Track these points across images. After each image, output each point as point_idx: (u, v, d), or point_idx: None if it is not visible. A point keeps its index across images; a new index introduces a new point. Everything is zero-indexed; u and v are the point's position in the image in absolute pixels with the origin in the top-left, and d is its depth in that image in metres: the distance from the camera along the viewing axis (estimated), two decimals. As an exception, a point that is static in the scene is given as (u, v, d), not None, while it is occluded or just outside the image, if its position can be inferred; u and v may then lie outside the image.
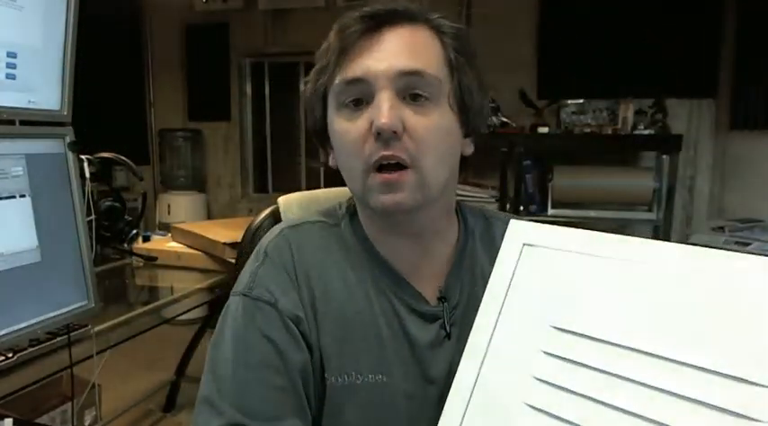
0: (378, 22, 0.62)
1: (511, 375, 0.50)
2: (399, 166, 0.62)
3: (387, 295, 0.68)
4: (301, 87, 0.72)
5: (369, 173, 0.63)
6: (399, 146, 0.61)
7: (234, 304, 0.68)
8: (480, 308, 0.55)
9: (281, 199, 0.96)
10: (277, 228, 0.73)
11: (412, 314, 0.68)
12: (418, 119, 0.62)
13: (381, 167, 0.62)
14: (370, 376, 0.65)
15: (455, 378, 0.53)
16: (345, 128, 0.64)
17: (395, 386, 0.65)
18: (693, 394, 0.41)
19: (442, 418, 0.52)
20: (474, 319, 0.69)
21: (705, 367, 0.41)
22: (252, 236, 0.97)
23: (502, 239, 0.75)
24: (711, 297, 0.43)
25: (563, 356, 0.48)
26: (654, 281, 0.47)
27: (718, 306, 0.43)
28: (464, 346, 0.68)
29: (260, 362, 0.63)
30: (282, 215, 0.94)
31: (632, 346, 0.45)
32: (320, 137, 0.71)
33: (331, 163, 0.71)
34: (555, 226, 0.55)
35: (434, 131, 0.63)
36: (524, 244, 0.55)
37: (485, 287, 0.71)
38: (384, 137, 0.60)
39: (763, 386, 0.39)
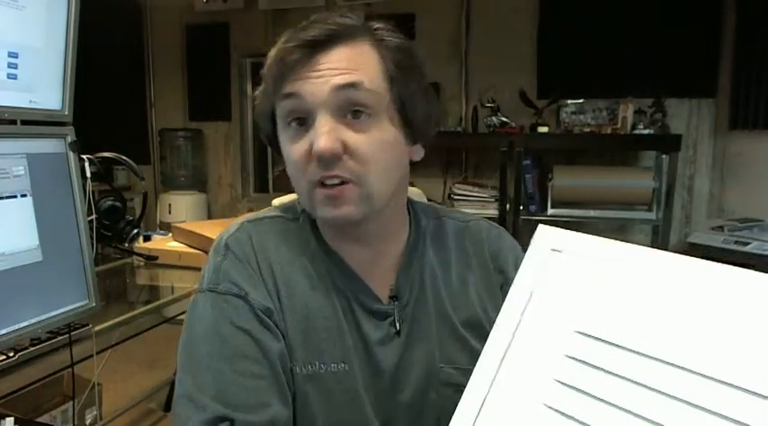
0: (314, 47, 0.63)
1: (530, 376, 0.50)
2: (342, 182, 0.63)
3: (343, 292, 0.70)
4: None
5: (314, 188, 0.64)
6: (341, 166, 0.62)
7: (201, 301, 0.68)
8: (503, 308, 0.55)
9: (276, 201, 0.95)
10: (237, 223, 0.73)
11: (365, 311, 0.70)
12: (358, 138, 0.63)
13: (324, 183, 0.64)
14: (332, 365, 0.67)
15: (471, 377, 0.54)
16: (289, 149, 0.66)
17: (355, 375, 0.67)
18: (716, 408, 0.42)
19: (454, 416, 0.53)
20: (422, 316, 0.72)
21: (730, 382, 0.42)
22: None
23: (453, 238, 0.79)
24: (740, 315, 0.44)
25: (586, 360, 0.48)
26: (683, 296, 0.47)
27: (746, 324, 0.43)
28: (413, 341, 0.71)
29: (236, 353, 0.63)
30: None
31: (657, 356, 0.45)
32: (275, 149, 0.72)
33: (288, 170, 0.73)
34: (583, 234, 0.55)
35: (375, 147, 0.64)
36: (552, 249, 0.55)
37: (434, 285, 0.74)
38: (324, 161, 0.62)
39: None
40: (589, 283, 0.52)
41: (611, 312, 0.50)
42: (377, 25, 0.67)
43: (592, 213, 2.93)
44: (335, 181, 0.63)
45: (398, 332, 0.71)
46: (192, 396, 0.62)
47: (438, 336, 0.72)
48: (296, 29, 0.66)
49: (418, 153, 0.72)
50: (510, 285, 0.70)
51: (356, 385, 0.67)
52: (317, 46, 0.63)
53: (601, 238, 0.54)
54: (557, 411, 0.48)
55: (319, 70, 0.62)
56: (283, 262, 0.69)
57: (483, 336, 0.71)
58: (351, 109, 0.63)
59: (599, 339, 0.49)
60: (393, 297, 0.72)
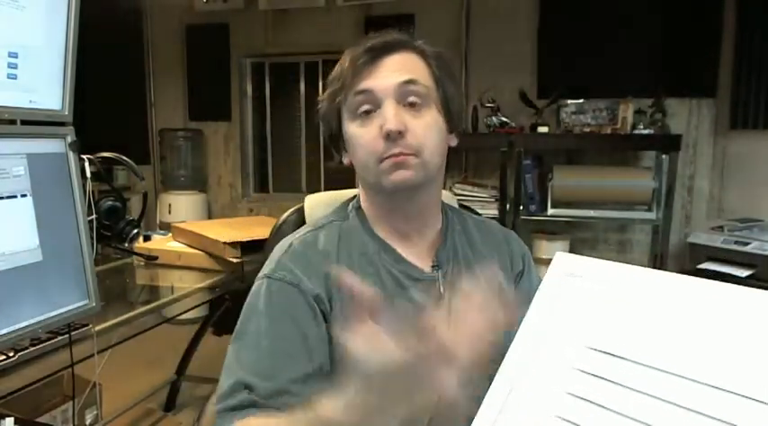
0: (379, 52, 0.81)
1: (544, 389, 0.52)
2: (404, 154, 0.79)
3: (390, 270, 0.84)
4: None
5: (381, 161, 0.79)
6: (404, 143, 0.79)
7: (258, 285, 0.81)
8: (519, 330, 0.58)
9: (308, 199, 1.08)
10: (303, 229, 0.89)
11: (413, 281, 0.84)
12: (416, 122, 0.80)
13: (390, 156, 0.79)
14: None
15: (488, 391, 0.56)
16: (360, 132, 0.81)
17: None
18: (723, 417, 0.43)
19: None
20: (457, 283, 0.77)
21: (737, 391, 0.43)
22: (277, 231, 1.09)
23: (475, 228, 0.95)
24: (747, 331, 0.45)
25: (596, 374, 0.50)
26: (694, 315, 0.49)
27: (752, 339, 0.45)
28: (455, 304, 0.74)
29: (278, 334, 0.75)
30: (307, 212, 1.06)
31: (664, 368, 0.47)
32: (336, 142, 0.88)
33: (346, 161, 0.88)
34: (600, 260, 0.58)
35: (428, 128, 0.81)
36: (568, 275, 0.58)
37: (466, 262, 0.89)
38: (392, 137, 0.78)
39: None
40: (602, 304, 0.55)
41: (621, 329, 0.52)
42: (418, 41, 0.86)
43: (592, 213, 2.93)
44: (399, 151, 0.78)
45: (442, 295, 0.84)
46: (231, 365, 0.74)
47: None
48: (360, 42, 0.83)
49: (453, 140, 0.88)
50: (524, 282, 0.91)
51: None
52: (380, 51, 0.81)
53: (614, 263, 0.57)
54: (569, 422, 0.49)
55: (384, 70, 0.80)
56: (342, 257, 0.83)
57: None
58: (409, 99, 0.80)
59: (609, 353, 0.51)
60: (435, 266, 0.86)
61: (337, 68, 0.85)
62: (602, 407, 0.48)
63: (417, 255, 0.87)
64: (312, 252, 0.83)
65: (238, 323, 0.79)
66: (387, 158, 0.79)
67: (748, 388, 0.42)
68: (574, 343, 0.53)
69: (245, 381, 0.71)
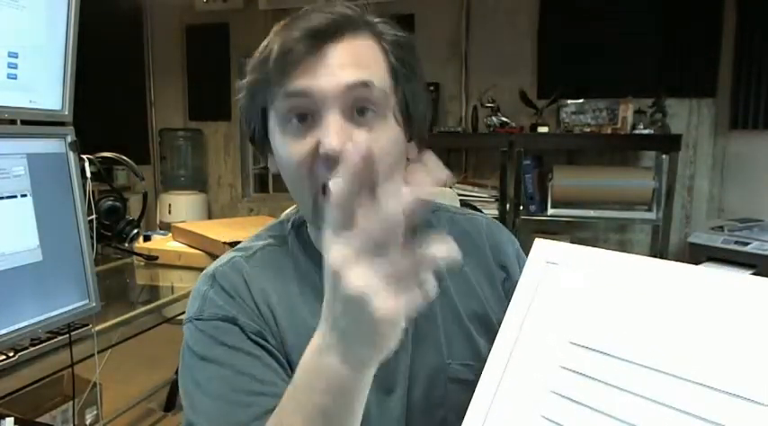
0: (321, 37, 0.59)
1: (529, 388, 0.51)
2: None
3: None
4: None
5: (319, 194, 0.61)
6: None
7: (188, 332, 0.64)
8: (502, 324, 0.56)
9: (286, 213, 0.95)
10: (227, 255, 0.70)
11: None
12: (366, 137, 0.59)
13: None
14: None
15: (474, 393, 0.54)
16: (290, 149, 0.61)
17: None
18: (710, 416, 0.42)
19: None
20: (430, 312, 0.68)
21: (725, 389, 0.42)
22: None
23: (451, 230, 0.74)
24: (734, 321, 0.44)
25: (580, 371, 0.49)
26: (676, 303, 0.47)
27: (740, 330, 0.43)
28: (421, 338, 0.68)
29: (235, 372, 0.60)
30: None
31: (650, 365, 0.46)
32: (260, 145, 0.68)
33: (272, 168, 0.69)
34: (578, 246, 0.56)
35: (383, 145, 0.61)
36: (547, 263, 0.56)
37: (438, 278, 0.70)
38: (332, 159, 0.56)
39: None
40: (583, 294, 0.53)
41: (604, 321, 0.50)
42: (375, 19, 0.64)
43: (592, 213, 2.93)
44: None
45: (406, 330, 0.69)
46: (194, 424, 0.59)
47: (445, 331, 0.70)
48: (293, 18, 0.62)
49: (413, 151, 0.69)
50: (511, 280, 0.71)
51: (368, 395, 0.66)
52: (322, 37, 0.59)
53: (595, 249, 0.55)
54: (554, 422, 0.48)
55: (328, 65, 0.59)
56: (278, 290, 0.66)
57: (486, 330, 0.70)
58: (358, 107, 0.60)
59: (593, 349, 0.49)
60: None
61: (263, 50, 0.64)
62: (587, 406, 0.47)
63: None
64: (240, 282, 0.66)
65: (180, 387, 0.63)
66: (323, 190, 0.59)
67: (735, 385, 0.41)
68: (557, 339, 0.52)
69: None
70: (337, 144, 0.57)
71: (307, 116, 0.60)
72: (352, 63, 0.60)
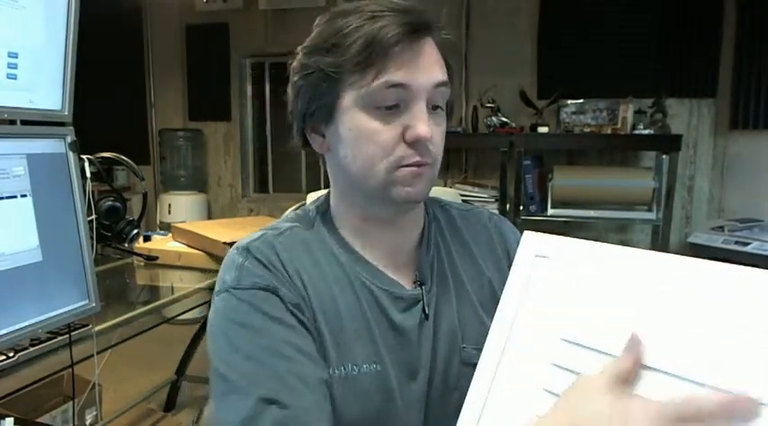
0: (417, 34, 0.64)
1: (522, 386, 0.51)
2: (424, 165, 0.68)
3: (368, 287, 0.70)
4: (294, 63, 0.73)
5: (396, 168, 0.66)
6: (426, 153, 0.67)
7: (223, 301, 0.66)
8: (494, 320, 0.56)
9: (310, 196, 0.98)
10: (257, 233, 0.73)
11: (393, 300, 0.71)
12: (437, 129, 0.68)
13: (408, 164, 0.67)
14: (365, 366, 0.67)
15: (468, 392, 0.54)
16: (377, 129, 0.65)
17: (388, 373, 0.67)
18: None
19: None
20: (446, 298, 0.73)
21: (716, 386, 0.41)
22: None
23: (461, 221, 0.82)
24: (726, 314, 0.43)
25: (572, 369, 0.48)
26: (667, 296, 0.46)
27: (732, 323, 0.42)
28: (440, 323, 0.72)
29: (274, 342, 0.62)
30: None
31: (642, 362, 0.45)
32: (317, 122, 0.71)
33: (319, 148, 0.73)
34: (568, 238, 0.55)
35: (443, 137, 0.70)
36: (537, 256, 0.56)
37: (452, 265, 0.77)
38: (423, 144, 0.65)
39: None
40: (574, 289, 0.52)
41: (595, 317, 0.50)
42: (439, 21, 0.69)
43: (592, 213, 2.93)
44: (422, 161, 0.66)
45: (427, 316, 0.72)
46: (234, 387, 0.60)
47: (459, 316, 0.74)
48: (379, 5, 0.65)
49: None
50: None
51: (389, 383, 0.67)
52: (418, 30, 0.64)
53: (584, 241, 0.54)
54: None
55: (424, 61, 0.65)
56: (309, 268, 0.69)
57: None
58: (434, 103, 0.67)
59: (584, 346, 0.49)
60: (417, 283, 0.73)
61: (344, 26, 0.64)
62: None
63: (396, 268, 0.73)
64: (274, 257, 0.68)
65: (210, 354, 0.64)
66: (405, 166, 0.65)
67: (730, 382, 0.41)
68: (548, 335, 0.51)
69: (268, 397, 0.58)
70: (427, 132, 0.64)
71: (395, 106, 0.65)
72: (438, 61, 0.67)
